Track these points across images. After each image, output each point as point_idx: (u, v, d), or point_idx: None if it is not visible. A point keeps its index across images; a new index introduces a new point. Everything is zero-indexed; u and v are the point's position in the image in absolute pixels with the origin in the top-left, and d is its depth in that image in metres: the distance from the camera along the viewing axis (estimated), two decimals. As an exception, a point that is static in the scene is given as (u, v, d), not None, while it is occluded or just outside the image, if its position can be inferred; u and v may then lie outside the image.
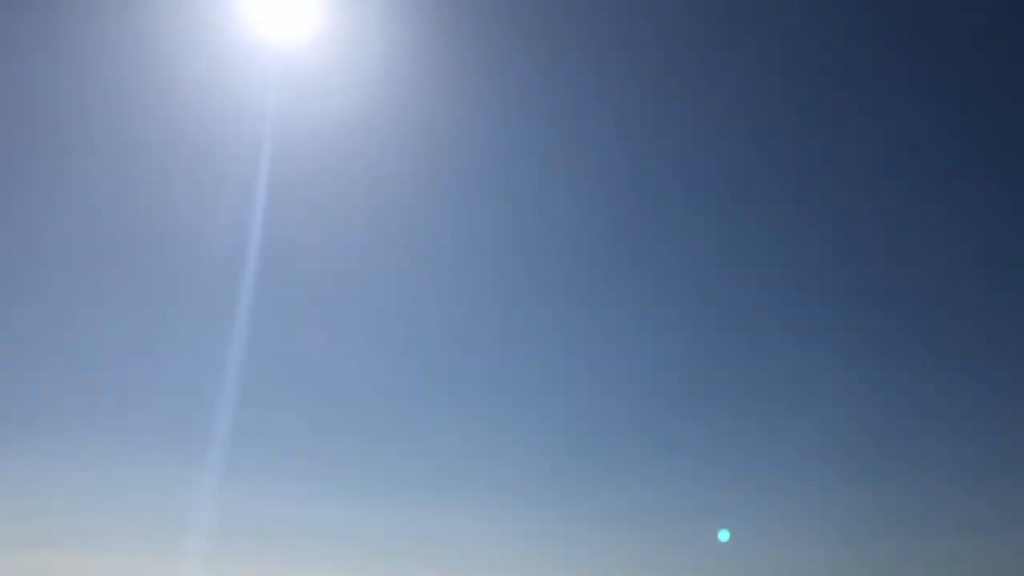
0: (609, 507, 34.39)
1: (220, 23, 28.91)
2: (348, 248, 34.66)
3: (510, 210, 36.29)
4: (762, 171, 36.83)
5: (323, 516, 32.31)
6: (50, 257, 32.84)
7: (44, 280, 32.83)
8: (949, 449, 34.78)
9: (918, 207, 36.96)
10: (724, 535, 32.14)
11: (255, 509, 31.65)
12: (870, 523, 32.91)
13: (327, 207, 33.80)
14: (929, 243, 36.82)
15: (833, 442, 34.80)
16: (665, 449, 36.22)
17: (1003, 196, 35.72)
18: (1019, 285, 35.55)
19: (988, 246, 35.99)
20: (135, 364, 33.26)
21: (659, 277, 38.43)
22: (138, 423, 32.19)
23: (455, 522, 33.23)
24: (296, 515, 31.99)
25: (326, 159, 32.56)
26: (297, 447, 33.95)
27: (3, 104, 30.95)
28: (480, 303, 37.09)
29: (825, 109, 35.61)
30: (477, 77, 32.55)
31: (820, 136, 36.19)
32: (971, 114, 35.25)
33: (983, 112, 35.18)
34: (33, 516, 28.62)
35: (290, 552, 30.50)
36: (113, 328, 33.30)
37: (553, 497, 34.52)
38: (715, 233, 37.58)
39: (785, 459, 35.07)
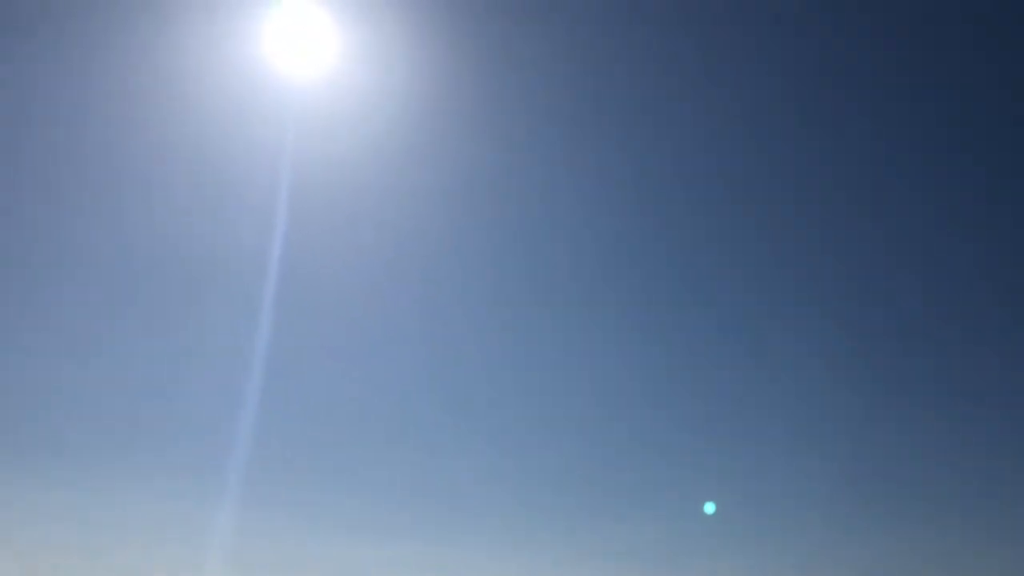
0: (612, 514, 34.54)
1: (238, 52, 29.15)
2: (367, 269, 34.58)
3: (517, 217, 36.32)
4: (762, 171, 36.88)
5: (337, 548, 31.95)
6: (65, 288, 32.77)
7: (59, 307, 32.69)
8: (950, 450, 34.88)
9: (918, 207, 37.02)
10: (710, 508, 32.16)
11: (272, 540, 31.44)
12: (875, 527, 33.02)
13: (344, 228, 33.84)
14: (929, 243, 36.89)
15: (835, 443, 34.86)
16: (667, 453, 36.28)
17: (1004, 196, 35.79)
18: (1021, 285, 35.63)
19: (988, 246, 36.07)
20: (150, 393, 33.11)
21: (659, 277, 38.47)
22: (151, 452, 32.01)
23: (471, 548, 33.08)
24: (312, 546, 31.67)
25: (344, 180, 32.64)
26: (315, 476, 33.75)
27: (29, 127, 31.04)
28: (493, 313, 37.04)
29: (825, 109, 35.67)
30: (484, 87, 32.60)
31: (820, 136, 36.25)
32: (971, 114, 35.31)
33: (983, 112, 35.24)
34: (41, 546, 28.45)
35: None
36: (128, 351, 33.19)
37: (567, 515, 34.56)
38: (715, 233, 37.64)
39: (787, 462, 35.13)
